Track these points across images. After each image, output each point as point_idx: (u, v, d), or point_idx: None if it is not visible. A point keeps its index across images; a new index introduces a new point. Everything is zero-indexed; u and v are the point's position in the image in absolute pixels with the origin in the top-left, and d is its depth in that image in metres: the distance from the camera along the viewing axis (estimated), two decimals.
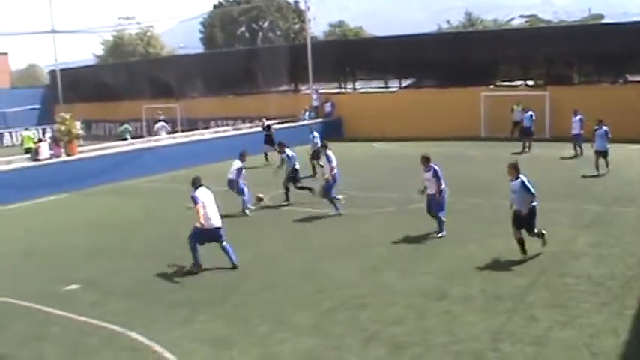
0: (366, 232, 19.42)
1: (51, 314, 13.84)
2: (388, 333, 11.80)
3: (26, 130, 49.39)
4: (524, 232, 15.64)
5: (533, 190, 15.58)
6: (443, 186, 18.22)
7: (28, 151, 38.78)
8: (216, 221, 15.93)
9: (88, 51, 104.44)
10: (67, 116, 34.54)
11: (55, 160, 31.15)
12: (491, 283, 14.15)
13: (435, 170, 18.23)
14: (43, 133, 52.16)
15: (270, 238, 18.87)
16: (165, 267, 16.66)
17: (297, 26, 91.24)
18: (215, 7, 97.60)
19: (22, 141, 45.92)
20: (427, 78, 47.23)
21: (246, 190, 22.73)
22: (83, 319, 13.32)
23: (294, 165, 23.87)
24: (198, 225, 15.55)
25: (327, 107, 47.83)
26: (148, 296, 14.55)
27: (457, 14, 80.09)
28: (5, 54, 67.45)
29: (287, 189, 23.85)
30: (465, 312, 12.50)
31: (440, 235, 18.26)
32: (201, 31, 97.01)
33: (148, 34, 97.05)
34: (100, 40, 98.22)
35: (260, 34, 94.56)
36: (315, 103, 48.43)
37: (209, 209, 15.77)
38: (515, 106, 39.20)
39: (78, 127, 31.98)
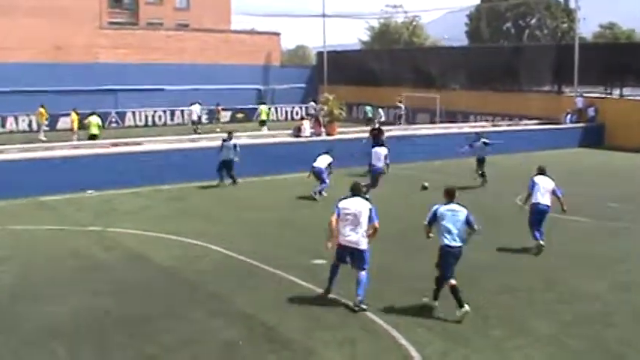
0: (619, 246, 18.53)
1: (296, 284, 14.55)
2: (636, 357, 11.27)
3: (263, 103, 52.30)
4: None
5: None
6: None
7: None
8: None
9: (354, 36, 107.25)
10: (331, 97, 35.73)
11: (315, 138, 32.38)
12: None
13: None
14: (307, 111, 54.27)
15: (508, 237, 18.50)
16: (409, 253, 16.89)
17: (565, 25, 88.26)
18: (483, 0, 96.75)
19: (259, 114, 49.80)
20: None
21: (327, 180, 24.48)
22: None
23: None
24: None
25: (590, 112, 45.92)
26: (390, 280, 14.78)
27: None
28: (278, 34, 70.41)
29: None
30: None
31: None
32: (466, 24, 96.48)
33: (414, 23, 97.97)
34: (367, 25, 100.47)
35: (526, 31, 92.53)
36: (578, 106, 46.76)
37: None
38: None
39: (367, 112, 33.31)
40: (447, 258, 12.95)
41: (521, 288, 14.67)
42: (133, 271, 15.66)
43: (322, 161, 24.63)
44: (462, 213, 13.09)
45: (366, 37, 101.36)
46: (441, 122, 48.83)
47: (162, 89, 54.95)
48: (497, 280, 15.18)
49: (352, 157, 28.86)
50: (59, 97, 48.06)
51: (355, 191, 13.61)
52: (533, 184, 17.77)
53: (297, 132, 33.63)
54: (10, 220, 20.44)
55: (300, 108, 60.48)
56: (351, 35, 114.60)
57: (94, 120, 38.70)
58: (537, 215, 17.66)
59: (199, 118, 50.06)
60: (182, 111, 53.66)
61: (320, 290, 13.86)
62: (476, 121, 48.89)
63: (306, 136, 33.01)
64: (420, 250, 17.13)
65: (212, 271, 15.61)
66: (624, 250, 18.08)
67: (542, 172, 18.05)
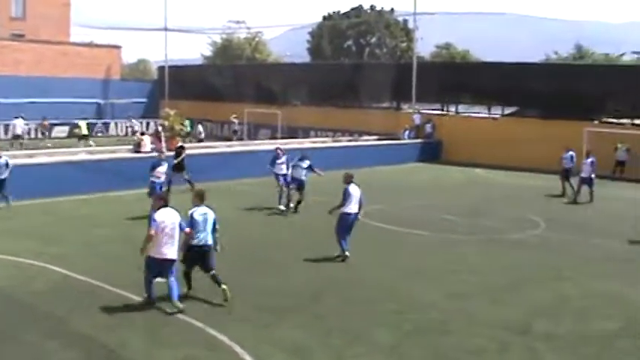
0: (456, 258, 19.22)
1: (137, 303, 14.21)
2: None
3: (83, 119, 50.90)
4: None
5: None
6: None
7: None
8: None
9: (197, 51, 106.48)
10: (172, 112, 35.45)
11: (154, 153, 31.91)
12: (579, 323, 13.81)
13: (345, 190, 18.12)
14: (147, 127, 53.54)
15: (357, 252, 18.78)
16: (254, 268, 16.99)
17: (404, 45, 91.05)
18: (324, 18, 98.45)
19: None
20: (531, 107, 46.25)
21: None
22: (167, 310, 13.60)
23: None
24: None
25: (428, 128, 47.64)
26: (234, 295, 14.69)
27: (566, 45, 78.46)
28: (118, 47, 69.27)
29: None
30: (547, 351, 12.22)
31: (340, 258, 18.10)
32: (308, 41, 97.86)
33: (257, 39, 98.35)
34: (209, 41, 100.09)
35: (367, 49, 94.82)
36: (416, 123, 48.31)
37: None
38: (619, 145, 38.37)
39: (186, 126, 32.86)
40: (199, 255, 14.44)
41: (362, 299, 14.95)
42: None
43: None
44: (211, 215, 14.73)
45: (208, 52, 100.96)
46: (282, 138, 49.24)
47: None
48: (339, 293, 15.38)
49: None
50: None
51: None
52: (349, 194, 18.13)
53: (138, 147, 33.10)
54: None
55: (141, 123, 59.38)
56: (193, 50, 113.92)
57: None
58: (349, 224, 18.22)
59: (23, 132, 48.11)
60: (7, 125, 51.26)
61: (165, 309, 13.65)
62: (317, 137, 49.60)
63: (147, 152, 32.52)
64: (266, 264, 17.37)
65: (49, 291, 14.99)
66: (459, 261, 18.78)
67: (352, 180, 18.39)
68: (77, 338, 12.21)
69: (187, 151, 29.00)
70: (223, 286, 14.25)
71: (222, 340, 12.14)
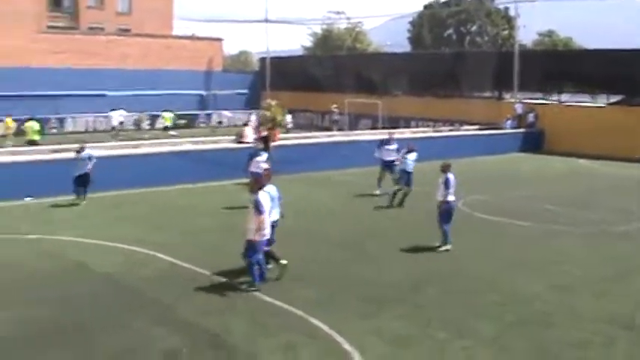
0: (559, 249, 18.84)
1: (239, 290, 14.53)
2: (570, 356, 11.46)
3: (166, 111, 52.12)
4: None
5: None
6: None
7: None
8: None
9: (297, 42, 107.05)
10: (273, 103, 35.74)
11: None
12: None
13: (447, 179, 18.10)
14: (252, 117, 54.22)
15: (459, 243, 18.59)
16: (356, 258, 17.06)
17: (505, 32, 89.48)
18: (425, 7, 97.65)
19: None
20: (638, 96, 44.79)
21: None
22: (270, 299, 13.86)
23: None
24: None
25: (530, 117, 46.70)
26: (335, 285, 14.86)
27: None
28: (220, 39, 70.25)
29: None
30: None
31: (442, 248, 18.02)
32: (409, 31, 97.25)
33: (357, 29, 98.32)
34: (310, 32, 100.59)
35: (467, 37, 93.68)
36: (518, 112, 47.49)
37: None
38: None
39: (287, 119, 33.07)
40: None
41: (463, 291, 14.82)
42: (74, 279, 15.38)
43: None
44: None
45: (308, 43, 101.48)
46: (383, 128, 49.09)
47: (104, 95, 54.25)
48: (440, 283, 15.30)
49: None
50: None
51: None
52: (451, 182, 18.11)
53: (240, 138, 33.50)
54: None
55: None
56: (293, 41, 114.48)
57: (33, 126, 38.20)
58: (452, 213, 18.26)
59: (121, 123, 49.67)
60: (127, 116, 52.55)
61: (265, 297, 13.91)
62: (417, 127, 49.31)
63: (248, 142, 32.88)
64: (367, 255, 17.44)
65: (154, 278, 15.42)
66: (561, 252, 18.41)
67: (450, 169, 18.39)
68: (182, 324, 12.53)
69: (289, 142, 29.19)
70: (283, 262, 15.18)
71: (322, 328, 12.25)
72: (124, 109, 50.16)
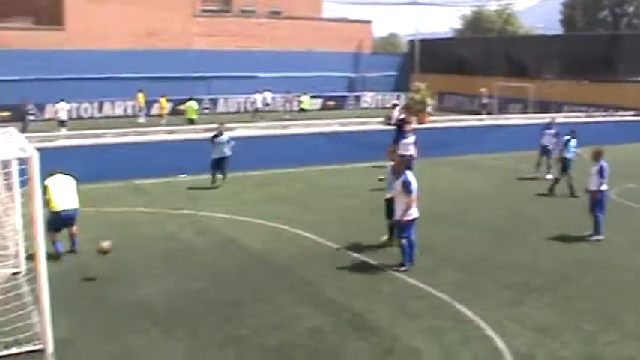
0: None
1: (384, 271, 14.62)
2: None
3: (305, 94, 51.25)
4: None
5: None
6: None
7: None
8: None
9: (446, 24, 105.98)
10: (422, 85, 35.56)
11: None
12: None
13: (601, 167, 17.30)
14: (398, 99, 54.07)
15: (610, 233, 17.78)
16: (503, 244, 16.82)
17: None
18: None
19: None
20: None
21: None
22: (414, 282, 13.91)
23: None
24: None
25: None
26: (481, 271, 14.73)
27: None
28: (369, 22, 70.29)
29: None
30: None
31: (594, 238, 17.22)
32: (561, 12, 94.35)
33: (507, 11, 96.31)
34: (459, 14, 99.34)
35: (623, 19, 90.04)
36: None
37: None
38: None
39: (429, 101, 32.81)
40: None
41: (615, 282, 14.35)
42: (224, 254, 15.93)
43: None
44: None
45: (458, 26, 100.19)
46: (534, 112, 47.98)
47: (255, 76, 55.35)
48: (591, 274, 14.88)
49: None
50: (153, 83, 48.93)
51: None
52: (605, 170, 17.45)
53: (388, 120, 33.51)
54: (105, 202, 20.97)
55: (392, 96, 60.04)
56: (443, 24, 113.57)
57: (193, 105, 39.53)
58: (605, 202, 17.62)
59: (267, 105, 50.33)
60: (273, 98, 53.30)
61: (410, 279, 13.98)
62: (569, 112, 47.91)
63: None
64: (515, 241, 17.15)
65: (301, 256, 15.75)
66: None
67: (601, 156, 17.73)
68: (327, 303, 12.77)
69: (438, 125, 28.92)
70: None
71: (467, 314, 12.20)
72: (269, 91, 50.84)
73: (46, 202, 13.93)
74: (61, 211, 15.28)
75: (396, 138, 23.93)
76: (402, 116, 29.74)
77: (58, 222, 15.42)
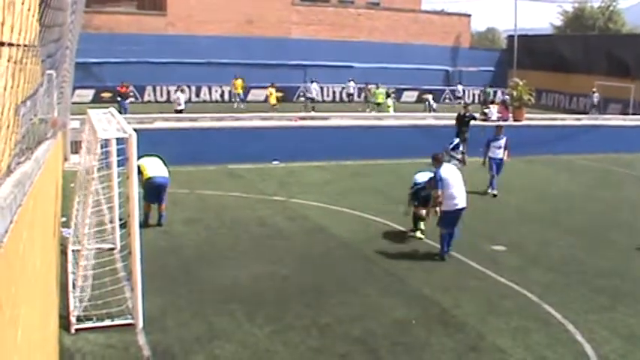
0: None
1: (473, 269, 14.52)
2: None
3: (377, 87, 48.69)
4: None
5: None
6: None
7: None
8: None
9: (546, 20, 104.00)
10: (520, 82, 35.04)
11: (502, 122, 31.84)
12: None
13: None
14: (494, 96, 53.34)
15: None
16: (595, 248, 16.49)
17: None
18: None
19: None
20: None
21: None
22: (503, 280, 13.77)
23: None
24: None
25: None
26: (571, 274, 14.46)
27: None
28: (468, 15, 69.53)
29: None
30: None
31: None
32: None
33: (611, 8, 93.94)
34: (560, 10, 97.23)
35: None
36: None
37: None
38: None
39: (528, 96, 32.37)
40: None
41: None
42: (313, 242, 16.08)
43: None
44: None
45: (558, 22, 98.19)
46: (634, 114, 46.76)
47: (351, 66, 55.40)
48: None
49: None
50: (250, 70, 49.57)
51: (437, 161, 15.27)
52: None
53: (484, 116, 33.23)
54: (199, 185, 21.40)
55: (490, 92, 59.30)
56: (542, 19, 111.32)
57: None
58: None
59: (350, 95, 50.50)
60: (367, 89, 52.83)
61: (499, 277, 13.89)
62: None
63: (493, 121, 32.51)
64: (606, 246, 16.75)
65: (390, 248, 15.76)
66: None
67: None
68: (413, 296, 12.76)
69: (534, 123, 28.39)
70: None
71: (556, 316, 11.98)
72: (354, 80, 50.54)
73: (140, 179, 14.30)
74: (153, 177, 16.06)
75: (490, 140, 22.90)
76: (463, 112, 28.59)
77: (152, 188, 16.09)
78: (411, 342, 10.82)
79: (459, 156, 24.27)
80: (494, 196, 21.49)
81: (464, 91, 58.12)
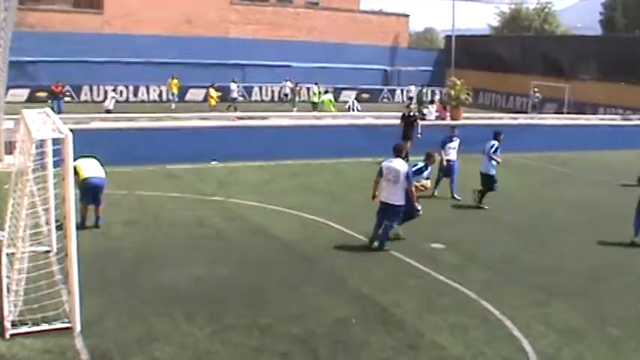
0: None
1: (412, 266, 14.61)
2: None
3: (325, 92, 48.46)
4: None
5: None
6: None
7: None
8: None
9: (484, 21, 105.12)
10: (458, 82, 35.41)
11: (439, 122, 32.13)
12: None
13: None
14: (432, 95, 53.82)
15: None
16: (531, 245, 16.73)
17: None
18: None
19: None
20: None
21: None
22: (442, 278, 13.89)
23: None
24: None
25: None
26: (509, 271, 14.65)
27: None
28: (406, 15, 70.07)
29: None
30: None
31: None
32: (601, 13, 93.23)
33: (546, 10, 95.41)
34: (497, 11, 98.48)
35: None
36: None
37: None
38: None
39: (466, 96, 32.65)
40: None
41: None
42: (252, 242, 16.00)
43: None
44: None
45: (495, 23, 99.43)
46: (569, 113, 47.64)
47: (289, 66, 55.37)
48: (621, 278, 14.71)
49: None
50: (188, 69, 49.26)
51: (396, 152, 16.10)
52: None
53: (422, 115, 33.48)
54: (137, 185, 21.13)
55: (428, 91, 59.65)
56: (480, 20, 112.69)
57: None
58: None
59: (286, 95, 50.61)
60: (307, 88, 52.78)
61: (437, 275, 14.00)
62: (605, 114, 47.53)
63: (431, 120, 32.81)
64: (543, 243, 16.98)
65: (328, 247, 15.75)
66: None
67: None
68: (353, 295, 12.79)
69: (471, 122, 28.62)
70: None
71: (494, 313, 12.14)
72: (290, 80, 50.58)
73: (76, 180, 14.05)
74: (89, 177, 15.85)
75: (444, 142, 22.81)
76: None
77: (89, 189, 15.87)
78: (350, 341, 10.83)
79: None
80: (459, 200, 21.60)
81: (402, 91, 58.57)
